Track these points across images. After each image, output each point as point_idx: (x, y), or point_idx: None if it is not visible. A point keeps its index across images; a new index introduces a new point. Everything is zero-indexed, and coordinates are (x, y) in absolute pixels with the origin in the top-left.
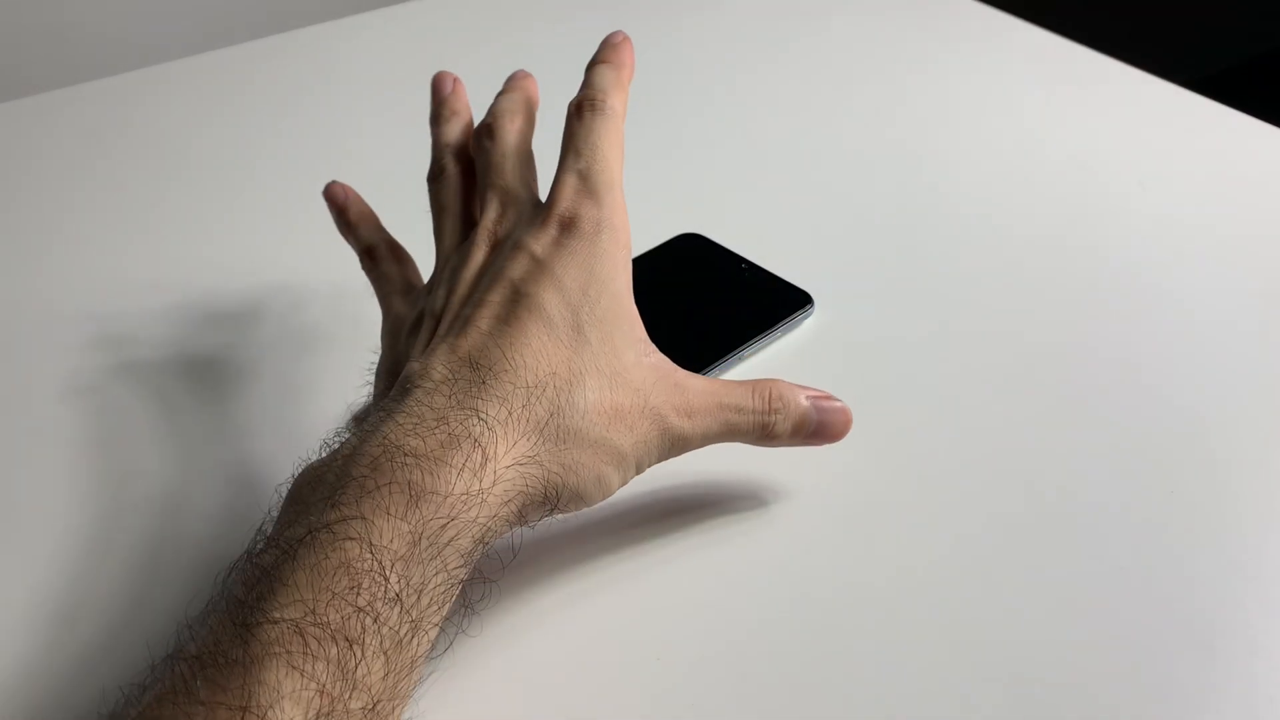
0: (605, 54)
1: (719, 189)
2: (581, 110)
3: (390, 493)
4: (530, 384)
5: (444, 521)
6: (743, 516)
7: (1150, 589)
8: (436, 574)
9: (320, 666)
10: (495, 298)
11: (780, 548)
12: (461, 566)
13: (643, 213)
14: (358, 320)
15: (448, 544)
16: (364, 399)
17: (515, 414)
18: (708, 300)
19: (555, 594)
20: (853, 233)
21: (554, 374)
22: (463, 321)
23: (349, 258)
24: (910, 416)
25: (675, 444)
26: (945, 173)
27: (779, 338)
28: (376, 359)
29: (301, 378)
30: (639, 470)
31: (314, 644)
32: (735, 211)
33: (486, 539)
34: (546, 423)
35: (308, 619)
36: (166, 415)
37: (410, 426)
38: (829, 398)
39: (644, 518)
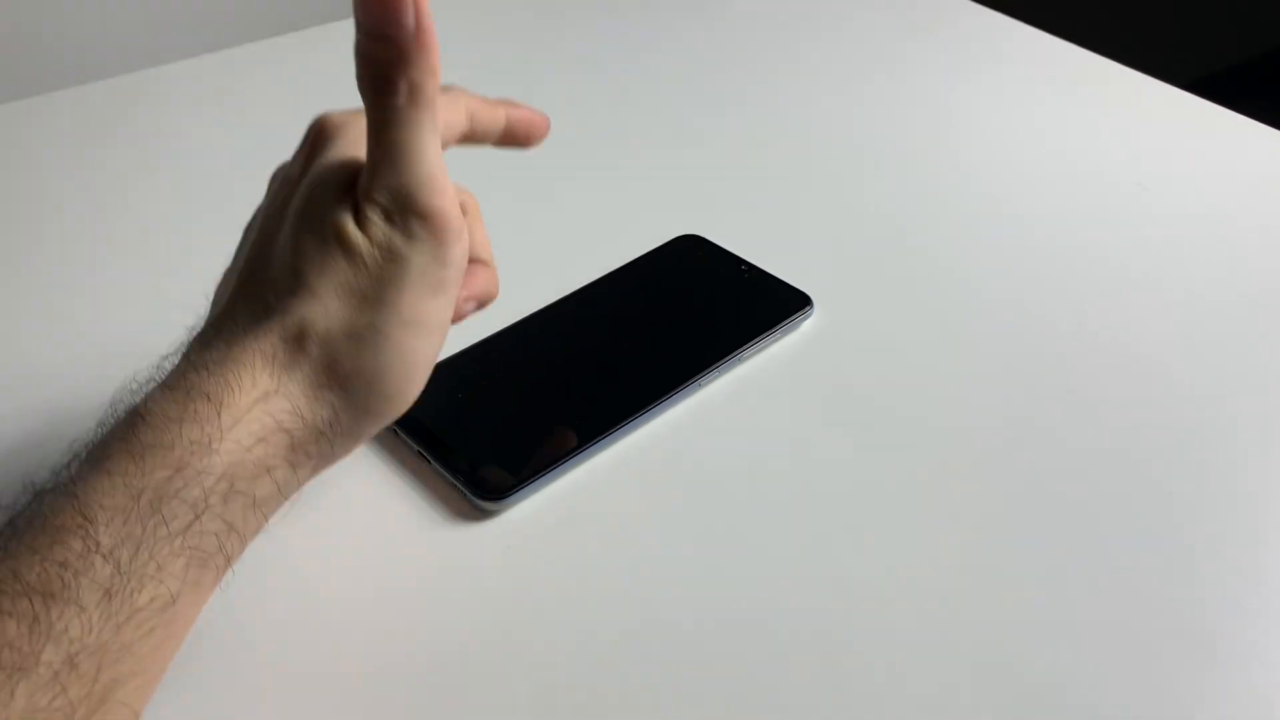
0: None
1: (719, 189)
2: None
3: (117, 451)
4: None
5: (169, 474)
6: (740, 517)
7: (1150, 590)
8: (159, 526)
9: (9, 623)
10: None
11: (779, 548)
12: (196, 518)
13: (643, 213)
14: None
15: (175, 495)
16: None
17: (249, 354)
18: (707, 301)
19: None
20: (853, 233)
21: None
22: None
23: None
24: (909, 417)
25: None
26: (944, 174)
27: (779, 339)
28: None
29: None
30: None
31: (6, 601)
32: (735, 212)
33: (242, 485)
34: (280, 353)
35: (6, 580)
36: None
37: (163, 386)
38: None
39: (620, 515)
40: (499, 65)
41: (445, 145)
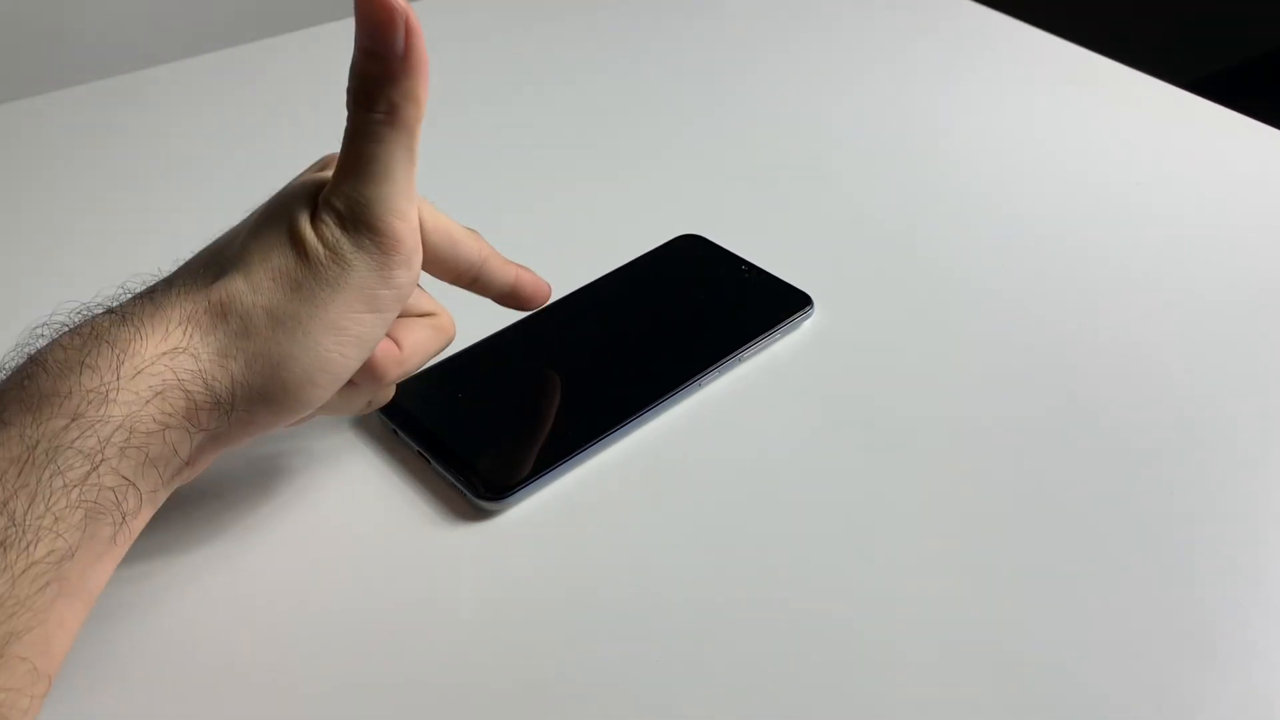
0: None
1: (719, 189)
2: None
3: (12, 400)
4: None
5: (65, 423)
6: (741, 517)
7: (1150, 590)
8: (54, 477)
9: None
10: None
11: (779, 548)
12: (93, 469)
13: (643, 213)
14: None
15: (70, 445)
16: None
17: (168, 311)
18: (707, 301)
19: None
20: (853, 233)
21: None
22: None
23: None
24: (910, 417)
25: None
26: (944, 174)
27: (779, 339)
28: None
29: None
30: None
31: None
32: (735, 212)
33: (137, 440)
34: (200, 316)
35: None
36: None
37: (71, 330)
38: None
39: (643, 515)
40: (499, 64)
41: (453, 270)
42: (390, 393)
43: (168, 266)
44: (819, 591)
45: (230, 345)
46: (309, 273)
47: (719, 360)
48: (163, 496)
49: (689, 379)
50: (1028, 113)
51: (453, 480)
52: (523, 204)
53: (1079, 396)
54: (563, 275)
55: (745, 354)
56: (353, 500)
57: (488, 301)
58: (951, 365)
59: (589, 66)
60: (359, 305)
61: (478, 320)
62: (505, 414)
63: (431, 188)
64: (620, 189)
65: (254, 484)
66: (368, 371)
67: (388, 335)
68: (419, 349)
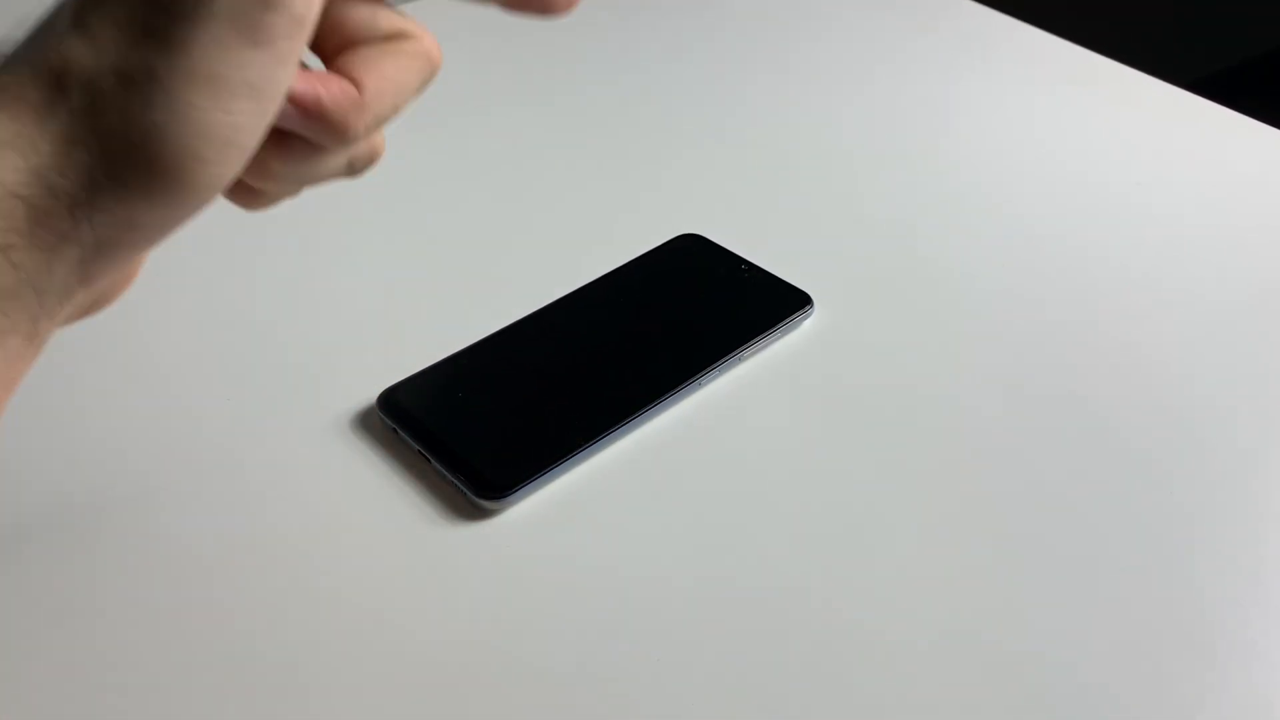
0: None
1: (719, 188)
2: None
3: None
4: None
5: None
6: (740, 516)
7: (1151, 590)
8: None
9: None
10: None
11: (779, 548)
12: None
13: (642, 213)
14: (354, 318)
15: None
16: None
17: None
18: (707, 301)
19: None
20: (853, 233)
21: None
22: None
23: (346, 256)
24: (910, 417)
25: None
26: (945, 174)
27: (779, 339)
28: (369, 356)
29: (295, 376)
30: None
31: None
32: (735, 211)
33: None
34: (30, 95)
35: None
36: (160, 407)
37: None
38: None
39: (650, 516)
40: (498, 64)
41: None
42: (377, 146)
43: (167, 266)
44: (819, 590)
45: (76, 128)
46: (158, 8)
47: (719, 360)
48: (45, 330)
49: (689, 378)
50: (1028, 113)
51: (453, 480)
52: (522, 203)
53: (1079, 396)
54: (563, 275)
55: (745, 353)
56: (353, 500)
57: (488, 299)
58: (951, 365)
59: (588, 67)
60: (234, 39)
61: (478, 319)
62: (505, 413)
63: (432, 187)
64: (620, 188)
65: (253, 483)
66: (319, 124)
67: (341, 73)
68: (390, 85)
